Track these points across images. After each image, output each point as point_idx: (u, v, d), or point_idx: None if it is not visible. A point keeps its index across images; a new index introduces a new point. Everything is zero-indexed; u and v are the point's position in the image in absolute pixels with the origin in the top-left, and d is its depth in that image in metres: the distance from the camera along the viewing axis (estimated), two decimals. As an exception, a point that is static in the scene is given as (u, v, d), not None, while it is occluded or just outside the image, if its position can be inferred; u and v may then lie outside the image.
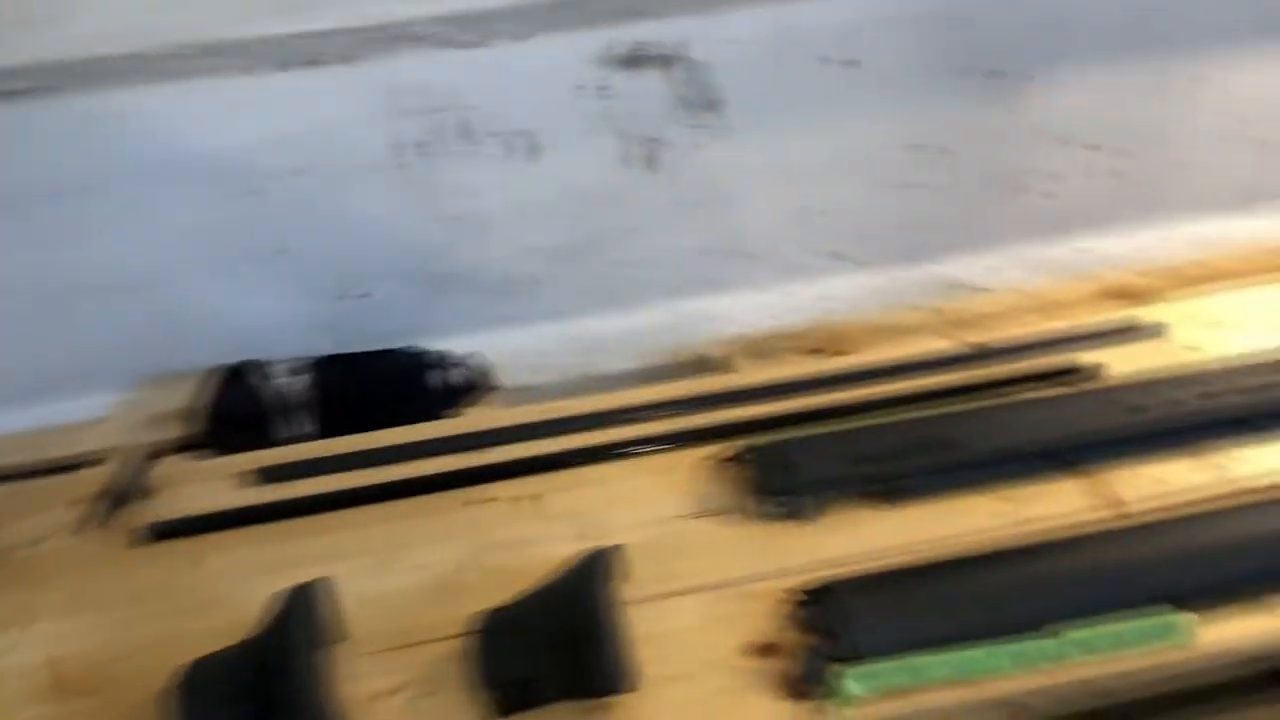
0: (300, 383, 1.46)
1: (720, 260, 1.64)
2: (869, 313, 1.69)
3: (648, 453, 1.19)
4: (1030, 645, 0.91)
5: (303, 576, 0.99)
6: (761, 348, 1.64)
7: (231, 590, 1.05)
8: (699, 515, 1.10)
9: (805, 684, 0.91)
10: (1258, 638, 0.94)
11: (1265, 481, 1.08)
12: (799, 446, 1.12)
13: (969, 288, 1.72)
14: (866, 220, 1.66)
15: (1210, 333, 1.28)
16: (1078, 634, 0.92)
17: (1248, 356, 1.22)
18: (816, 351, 1.55)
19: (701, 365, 1.64)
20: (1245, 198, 1.75)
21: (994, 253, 1.72)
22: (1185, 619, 0.93)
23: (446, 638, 0.97)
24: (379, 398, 1.48)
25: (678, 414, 1.26)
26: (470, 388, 1.52)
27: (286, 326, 1.53)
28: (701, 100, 1.48)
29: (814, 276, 1.69)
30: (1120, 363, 1.24)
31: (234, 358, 1.48)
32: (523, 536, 1.08)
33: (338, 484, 1.17)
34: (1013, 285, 1.71)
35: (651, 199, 1.54)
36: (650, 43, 1.41)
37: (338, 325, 1.54)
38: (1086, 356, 1.25)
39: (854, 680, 0.89)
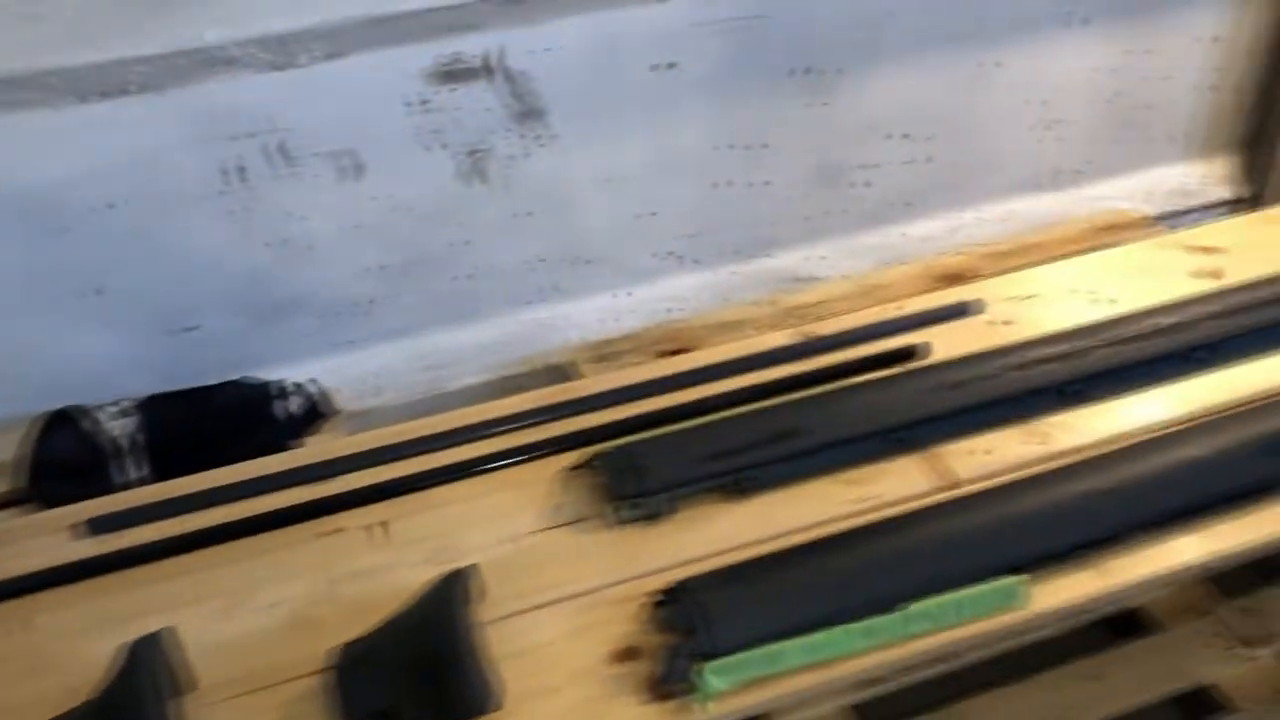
0: (130, 424, 1.40)
1: (559, 268, 1.64)
2: (709, 310, 1.73)
3: (498, 468, 1.18)
4: (879, 622, 0.95)
5: (145, 628, 0.95)
6: (606, 352, 1.65)
7: (68, 651, 1.00)
8: (554, 527, 1.10)
9: (668, 684, 0.92)
10: (1085, 594, 1.00)
11: (1085, 445, 1.14)
12: (647, 449, 1.13)
13: (802, 279, 1.77)
14: (698, 219, 1.69)
15: (1023, 307, 1.35)
16: (922, 606, 0.96)
17: (1059, 328, 1.28)
18: (663, 354, 1.57)
19: (548, 374, 1.65)
20: (1049, 175, 1.86)
21: (822, 243, 1.78)
22: (1020, 583, 0.98)
23: (302, 676, 0.95)
24: (215, 433, 1.43)
25: (526, 426, 1.25)
26: (310, 415, 1.48)
27: (111, 367, 1.47)
28: (525, 110, 1.48)
29: (653, 278, 1.72)
30: (944, 341, 1.29)
31: (56, 403, 1.41)
32: (375, 565, 1.06)
33: (177, 528, 1.12)
34: (843, 273, 1.77)
35: (484, 211, 1.54)
36: (468, 55, 1.41)
37: (166, 362, 1.48)
38: (915, 338, 1.30)
39: (714, 675, 0.91)
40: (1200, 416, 1.17)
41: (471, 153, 1.48)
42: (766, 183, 1.69)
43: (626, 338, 1.66)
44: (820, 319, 1.41)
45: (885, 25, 1.59)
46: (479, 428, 1.24)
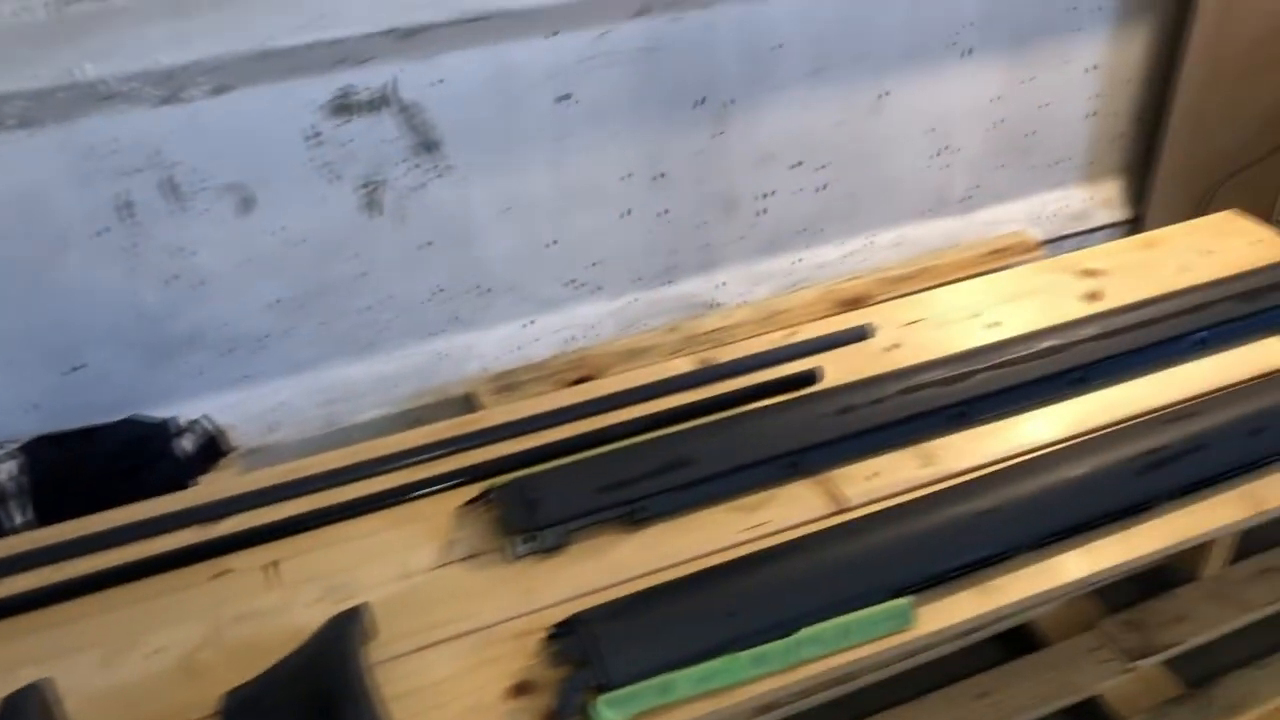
0: (13, 468, 1.36)
1: (459, 298, 1.64)
2: (610, 338, 1.74)
3: (394, 504, 1.17)
4: (768, 650, 0.96)
5: (24, 680, 0.92)
6: (509, 382, 1.65)
7: (-57, 706, 0.97)
8: (450, 562, 1.09)
9: (562, 718, 0.92)
10: (971, 613, 1.02)
11: (971, 466, 1.17)
12: (541, 481, 1.13)
13: (702, 305, 1.80)
14: (598, 247, 1.70)
15: (912, 331, 1.38)
16: (809, 631, 0.97)
17: (946, 352, 1.32)
18: (574, 382, 1.58)
19: (450, 406, 1.64)
20: (941, 200, 1.91)
21: (720, 270, 1.80)
22: (907, 605, 1.00)
23: (189, 725, 0.93)
24: (107, 474, 1.40)
25: (424, 461, 1.24)
26: (207, 453, 1.46)
27: (-8, 409, 1.43)
28: (420, 141, 1.48)
29: (554, 306, 1.72)
30: (836, 367, 1.31)
31: (-67, 448, 1.37)
32: (266, 607, 1.04)
33: (59, 574, 1.09)
34: (741, 299, 1.80)
35: (381, 242, 1.53)
36: (361, 88, 1.40)
37: (52, 402, 1.44)
38: (808, 363, 1.32)
39: (606, 707, 0.91)
40: (1081, 436, 1.20)
41: (367, 185, 1.48)
42: (666, 211, 1.71)
43: (530, 367, 1.67)
44: (722, 344, 1.43)
45: (775, 57, 1.62)
46: (375, 463, 1.23)
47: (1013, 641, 1.27)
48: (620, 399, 1.31)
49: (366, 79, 1.40)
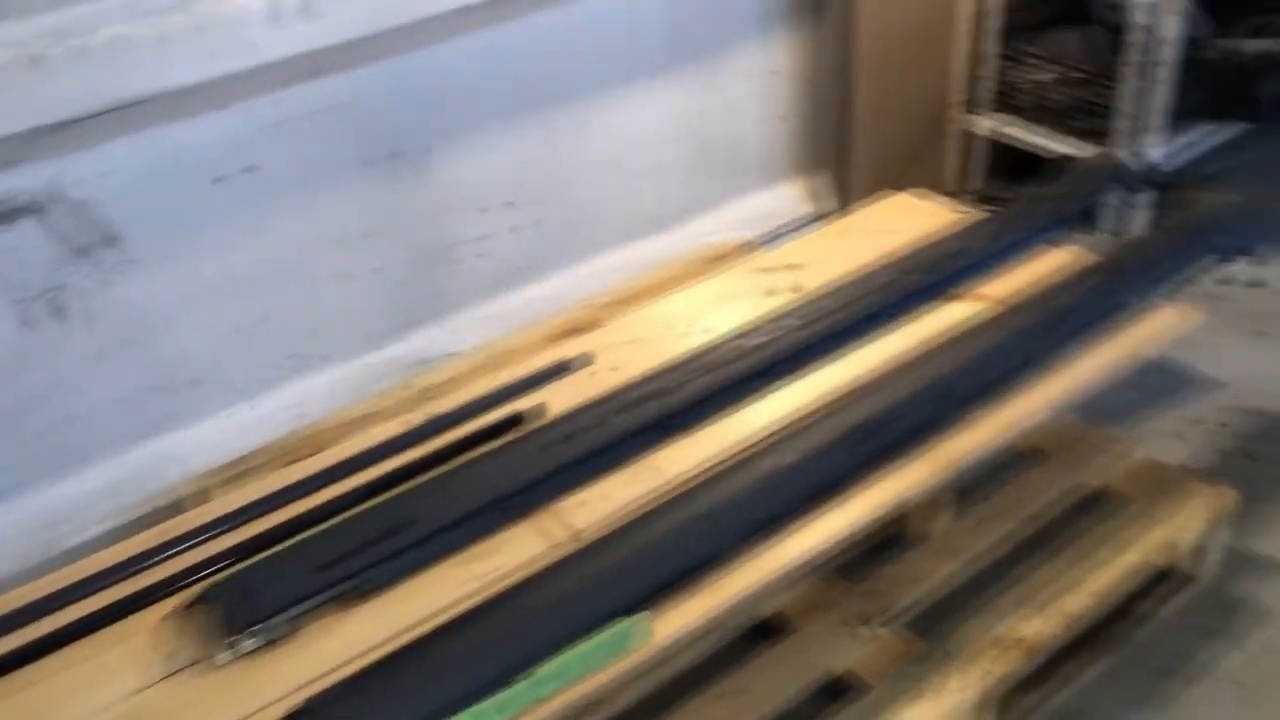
0: None
1: (170, 393, 1.56)
2: (344, 407, 1.69)
3: (109, 624, 1.10)
4: (509, 694, 0.95)
5: None
6: (239, 471, 1.58)
7: None
8: (170, 675, 1.03)
9: (298, 815, 0.88)
10: (704, 615, 1.04)
11: (692, 471, 1.20)
12: (259, 571, 1.08)
13: (437, 356, 1.77)
14: (315, 317, 1.65)
15: (630, 350, 1.41)
16: (549, 667, 0.97)
17: (659, 365, 1.34)
18: (295, 461, 1.52)
19: (179, 508, 1.55)
20: (653, 220, 1.95)
21: (449, 319, 1.79)
22: (639, 621, 1.01)
23: None
24: None
25: (141, 570, 1.17)
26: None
27: None
28: (96, 238, 1.40)
29: (276, 385, 1.66)
30: (559, 398, 1.32)
31: None
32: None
33: None
34: (475, 345, 1.78)
35: (69, 351, 1.44)
36: (17, 192, 1.32)
37: None
38: (527, 400, 1.33)
39: (340, 793, 0.87)
40: (789, 425, 1.25)
41: (42, 294, 1.39)
42: (380, 269, 1.68)
43: (261, 451, 1.59)
44: (457, 394, 1.41)
45: (462, 103, 1.62)
46: (85, 584, 1.15)
47: (771, 632, 1.30)
48: (339, 470, 1.28)
49: (23, 182, 1.32)
